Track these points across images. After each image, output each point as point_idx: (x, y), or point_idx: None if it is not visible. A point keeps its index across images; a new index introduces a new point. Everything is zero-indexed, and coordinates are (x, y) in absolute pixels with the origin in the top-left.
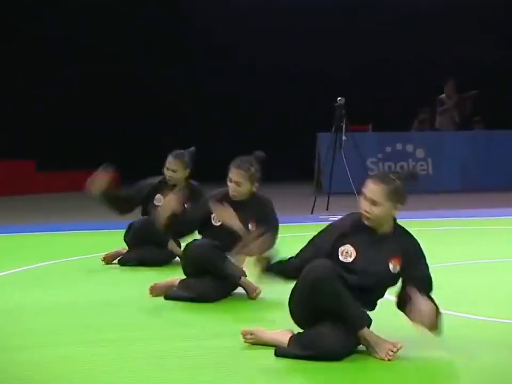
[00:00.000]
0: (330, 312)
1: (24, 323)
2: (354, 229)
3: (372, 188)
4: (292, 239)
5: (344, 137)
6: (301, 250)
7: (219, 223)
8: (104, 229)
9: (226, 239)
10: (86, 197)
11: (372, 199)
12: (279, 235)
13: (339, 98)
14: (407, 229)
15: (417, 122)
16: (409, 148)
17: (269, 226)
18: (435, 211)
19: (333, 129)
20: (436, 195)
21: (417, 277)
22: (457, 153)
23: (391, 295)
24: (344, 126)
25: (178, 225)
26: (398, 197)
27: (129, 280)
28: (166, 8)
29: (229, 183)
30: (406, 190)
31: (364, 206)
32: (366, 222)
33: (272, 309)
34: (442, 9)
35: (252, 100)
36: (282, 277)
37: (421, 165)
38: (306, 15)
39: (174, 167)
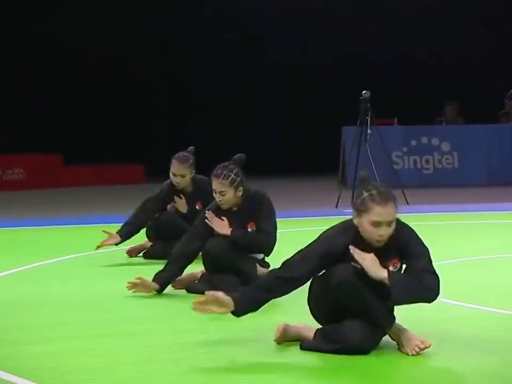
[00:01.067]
0: (356, 314)
1: (42, 316)
2: (347, 252)
3: (388, 211)
4: (316, 232)
5: (369, 131)
6: (288, 263)
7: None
8: None
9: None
10: (112, 190)
11: (391, 220)
12: (295, 229)
13: (364, 91)
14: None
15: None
16: (435, 141)
17: (268, 223)
18: (460, 205)
19: (358, 123)
20: (461, 189)
21: (415, 260)
22: (483, 147)
23: None
24: (369, 119)
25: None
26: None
27: (151, 273)
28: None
29: (214, 195)
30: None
31: (378, 231)
32: (376, 245)
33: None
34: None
35: (277, 92)
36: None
37: (447, 159)
38: (326, 16)
39: (183, 173)
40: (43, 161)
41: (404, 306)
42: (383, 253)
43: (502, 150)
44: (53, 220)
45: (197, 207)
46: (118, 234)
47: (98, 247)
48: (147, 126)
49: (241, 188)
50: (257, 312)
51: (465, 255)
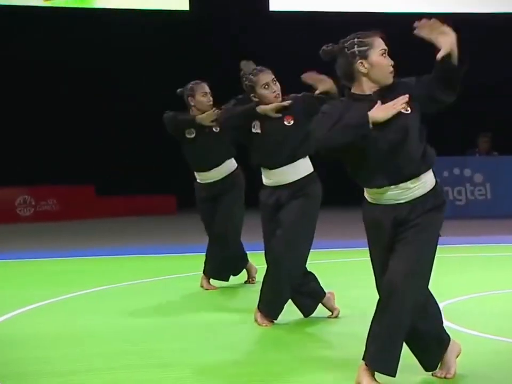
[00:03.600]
0: None
1: (84, 347)
2: (349, 103)
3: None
4: (348, 264)
5: None
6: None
7: (259, 130)
8: (164, 254)
9: (268, 146)
10: (145, 221)
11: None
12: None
13: None
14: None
15: None
16: (467, 172)
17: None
18: (492, 236)
19: None
20: (494, 220)
21: (426, 82)
22: None
23: None
24: None
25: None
26: None
27: (176, 308)
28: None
29: (265, 91)
30: None
31: (389, 61)
32: (389, 82)
33: None
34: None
35: None
36: None
37: (479, 190)
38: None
39: (209, 90)
40: (76, 192)
41: None
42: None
43: None
44: (84, 251)
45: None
46: None
47: None
48: (178, 157)
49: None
50: None
51: (495, 288)
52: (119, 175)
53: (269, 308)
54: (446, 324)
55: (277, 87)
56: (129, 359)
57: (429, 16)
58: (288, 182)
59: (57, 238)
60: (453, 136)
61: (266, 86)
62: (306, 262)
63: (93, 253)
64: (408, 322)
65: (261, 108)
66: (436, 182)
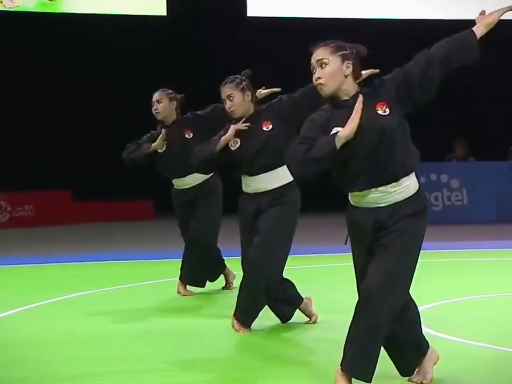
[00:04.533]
0: None
1: (63, 352)
2: (331, 112)
3: (317, 53)
4: (326, 269)
5: None
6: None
7: (238, 144)
8: (142, 259)
9: (249, 154)
10: (123, 226)
11: (320, 59)
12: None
13: None
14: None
15: None
16: (444, 178)
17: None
18: (468, 242)
19: None
20: (470, 226)
21: (411, 68)
22: (492, 184)
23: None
24: None
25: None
26: (344, 51)
27: (161, 311)
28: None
29: (224, 105)
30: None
31: (316, 75)
32: (322, 94)
33: None
34: None
35: None
36: None
37: (456, 196)
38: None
39: (160, 98)
40: (52, 197)
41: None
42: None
43: (511, 187)
44: (62, 257)
45: (186, 136)
46: None
47: None
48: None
49: (249, 92)
50: None
51: (472, 293)
52: (96, 180)
53: (244, 316)
54: (424, 329)
55: (232, 103)
56: (109, 364)
57: (401, 22)
58: (268, 189)
59: (34, 244)
60: (430, 141)
61: (224, 102)
62: (283, 269)
63: (70, 259)
64: (385, 327)
65: (219, 144)
66: (419, 187)
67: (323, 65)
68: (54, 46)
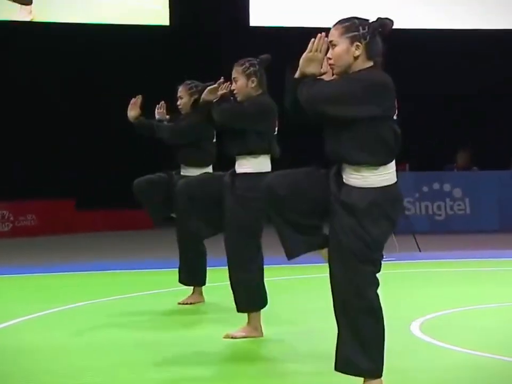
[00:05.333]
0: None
1: (65, 362)
2: None
3: (331, 32)
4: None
5: None
6: None
7: None
8: (144, 269)
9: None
10: (126, 235)
11: (331, 40)
12: None
13: None
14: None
15: None
16: (446, 187)
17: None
18: (471, 251)
19: None
20: (473, 235)
21: None
22: (495, 193)
23: None
24: None
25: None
26: (354, 33)
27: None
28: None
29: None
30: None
31: (328, 54)
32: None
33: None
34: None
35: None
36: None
37: (458, 205)
38: None
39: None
40: (55, 207)
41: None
42: None
43: None
44: (64, 266)
45: None
46: None
47: None
48: (159, 170)
49: (254, 78)
50: None
51: (475, 303)
52: (99, 190)
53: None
54: (426, 339)
55: (235, 85)
56: (109, 374)
57: (404, 31)
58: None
59: (37, 253)
60: (432, 151)
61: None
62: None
63: (71, 268)
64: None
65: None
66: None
67: (333, 46)
68: (62, 56)
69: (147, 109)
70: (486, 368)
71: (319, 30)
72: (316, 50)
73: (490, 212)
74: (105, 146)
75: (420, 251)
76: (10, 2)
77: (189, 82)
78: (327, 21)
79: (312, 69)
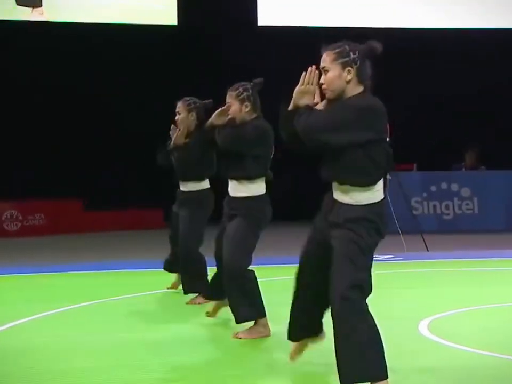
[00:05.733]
0: None
1: (72, 362)
2: None
3: (322, 58)
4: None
5: (388, 177)
6: None
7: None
8: (151, 268)
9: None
10: (133, 235)
11: (322, 66)
12: None
13: None
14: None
15: None
16: (454, 187)
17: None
18: (479, 251)
19: None
20: (481, 234)
21: None
22: (502, 193)
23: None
24: None
25: None
26: (345, 59)
27: (164, 320)
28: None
29: None
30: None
31: (321, 80)
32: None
33: None
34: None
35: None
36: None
37: (467, 204)
38: None
39: (177, 109)
40: (63, 207)
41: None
42: None
43: None
44: (72, 266)
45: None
46: None
47: None
48: (165, 170)
49: (248, 103)
50: None
51: (483, 303)
52: (107, 189)
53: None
54: (435, 339)
55: (230, 111)
56: (112, 373)
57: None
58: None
59: (45, 252)
60: (440, 150)
61: None
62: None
63: (80, 267)
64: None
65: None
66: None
67: (325, 72)
68: (69, 57)
69: (154, 110)
70: (495, 368)
71: (327, 29)
72: (308, 83)
73: (498, 212)
74: (114, 147)
75: (427, 250)
76: (11, 2)
77: (187, 98)
78: (335, 21)
79: (305, 101)
